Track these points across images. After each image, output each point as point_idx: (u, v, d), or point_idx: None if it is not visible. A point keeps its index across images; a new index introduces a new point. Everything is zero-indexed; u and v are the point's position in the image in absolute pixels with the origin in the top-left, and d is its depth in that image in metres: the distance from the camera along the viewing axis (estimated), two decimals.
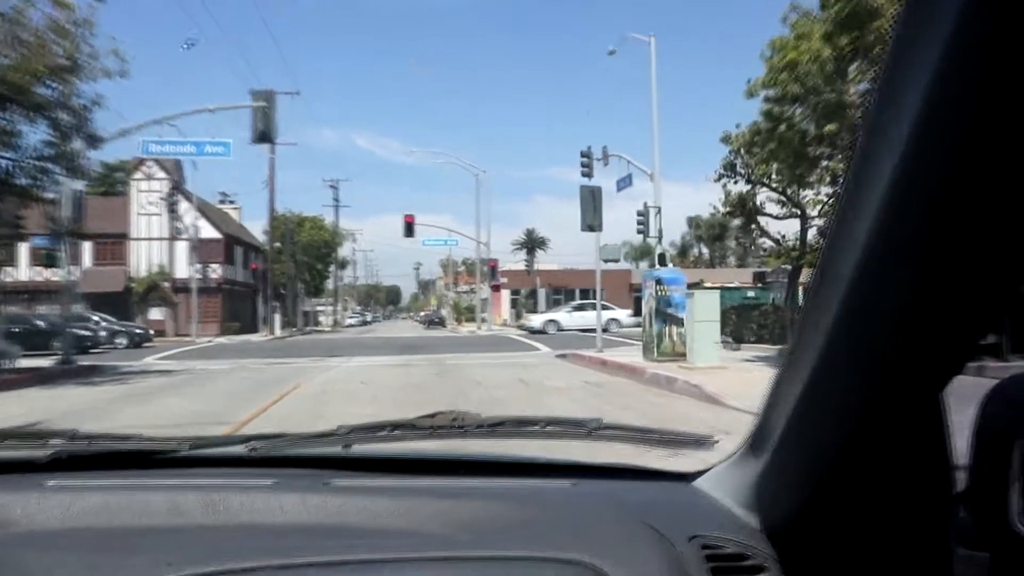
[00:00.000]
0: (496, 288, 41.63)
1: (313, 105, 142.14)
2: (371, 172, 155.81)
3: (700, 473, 1.21)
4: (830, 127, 13.14)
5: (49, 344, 21.57)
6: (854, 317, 0.68)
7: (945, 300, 0.62)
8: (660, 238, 21.34)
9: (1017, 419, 0.74)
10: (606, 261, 20.38)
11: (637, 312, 55.58)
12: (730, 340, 18.36)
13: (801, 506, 0.91)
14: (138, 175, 43.76)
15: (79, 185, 16.26)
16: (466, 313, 62.81)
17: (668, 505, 1.12)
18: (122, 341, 29.30)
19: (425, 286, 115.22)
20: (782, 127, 14.04)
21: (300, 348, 25.52)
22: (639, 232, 21.51)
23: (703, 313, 13.85)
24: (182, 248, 40.86)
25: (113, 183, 48.33)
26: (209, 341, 33.53)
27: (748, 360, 14.55)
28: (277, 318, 42.88)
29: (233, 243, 47.67)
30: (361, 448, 1.27)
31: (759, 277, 33.70)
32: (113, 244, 43.69)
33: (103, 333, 28.66)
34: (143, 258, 43.88)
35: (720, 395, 9.18)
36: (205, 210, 44.39)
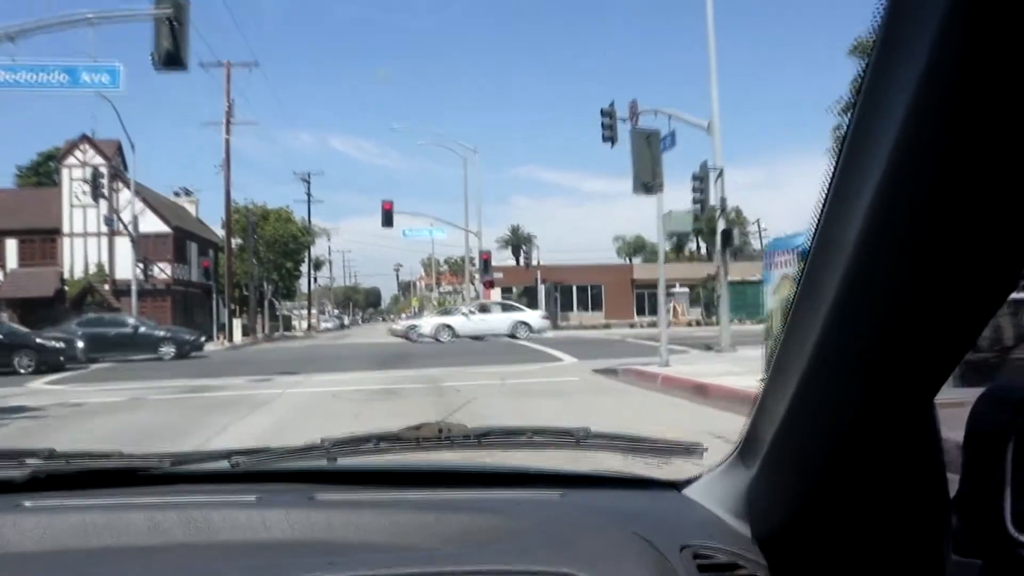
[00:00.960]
0: (489, 284, 36.04)
1: (286, 103, 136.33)
2: (348, 174, 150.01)
3: (690, 481, 1.20)
4: None
5: (9, 360, 18.03)
6: (842, 323, 0.67)
7: (935, 305, 0.61)
8: (724, 208, 16.02)
9: (1009, 422, 0.74)
10: (671, 236, 14.39)
11: (645, 312, 51.29)
12: None
13: (792, 514, 0.89)
14: (70, 160, 37.67)
15: None
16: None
17: (658, 514, 1.10)
18: (168, 350, 23.32)
19: (406, 288, 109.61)
20: None
21: (250, 362, 19.87)
22: (696, 202, 16.17)
23: None
24: (126, 245, 34.86)
25: (48, 172, 42.27)
26: None
27: None
28: (236, 324, 36.94)
29: (186, 239, 41.58)
30: (346, 461, 1.25)
31: None
32: (43, 241, 37.69)
33: (145, 337, 23.56)
34: (79, 257, 37.87)
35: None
36: (151, 200, 38.42)
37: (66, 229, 37.88)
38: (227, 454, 1.23)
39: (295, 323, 64.06)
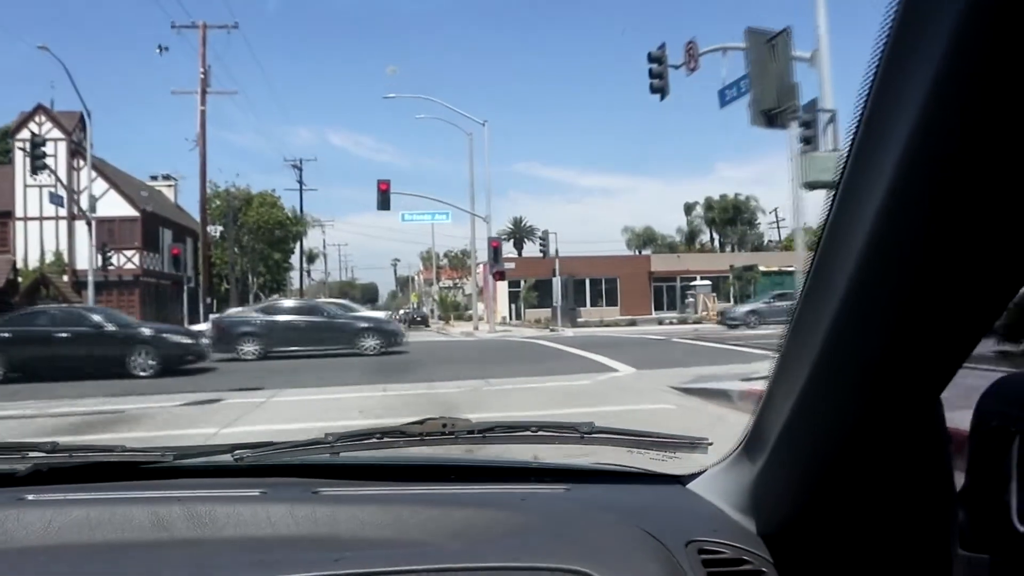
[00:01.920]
0: (500, 276, 31.60)
1: (283, 99, 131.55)
2: (344, 168, 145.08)
3: (694, 476, 1.20)
4: None
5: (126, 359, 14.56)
6: (851, 319, 0.68)
7: (944, 302, 0.62)
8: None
9: (1015, 417, 0.74)
10: (811, 188, 9.78)
11: (663, 307, 46.82)
12: None
13: (798, 509, 0.90)
14: (24, 134, 33.16)
15: None
16: (454, 310, 52.95)
17: (663, 509, 1.10)
18: (372, 342, 18.81)
19: (404, 283, 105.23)
20: None
21: (207, 371, 15.55)
22: (804, 152, 11.85)
23: None
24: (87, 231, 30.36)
25: (6, 150, 37.80)
26: None
27: None
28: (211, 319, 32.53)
29: (158, 224, 37.04)
30: (350, 456, 1.24)
31: None
32: None
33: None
34: (35, 244, 33.45)
35: None
36: (116, 179, 34.01)
37: (19, 212, 33.43)
38: (230, 448, 1.21)
39: None
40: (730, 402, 8.01)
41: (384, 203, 29.37)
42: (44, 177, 27.97)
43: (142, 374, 14.51)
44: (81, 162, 31.83)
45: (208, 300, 31.97)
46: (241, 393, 10.65)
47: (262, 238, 41.03)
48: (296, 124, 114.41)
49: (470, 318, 39.93)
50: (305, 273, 62.93)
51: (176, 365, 14.93)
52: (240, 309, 22.52)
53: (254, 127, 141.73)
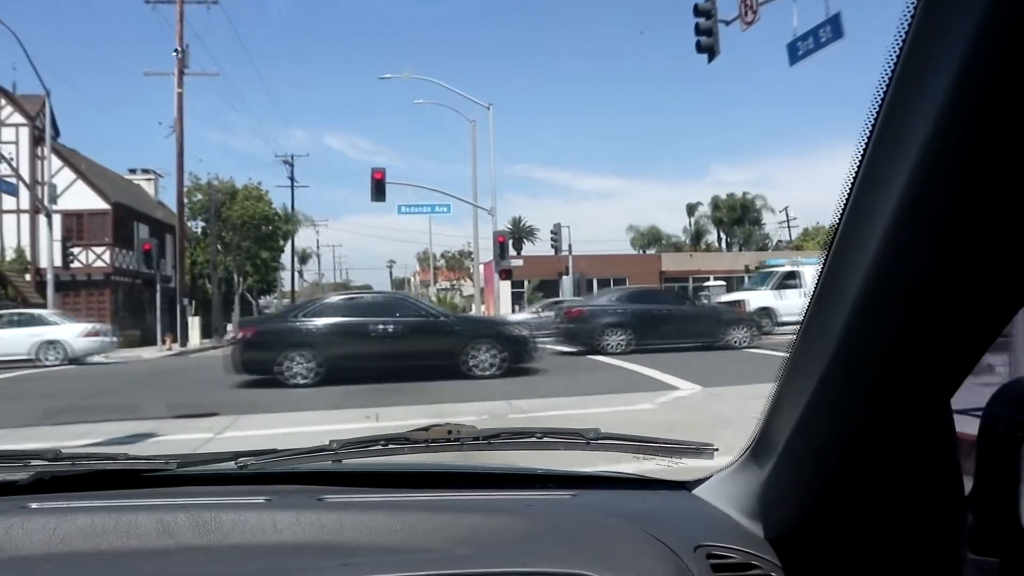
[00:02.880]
0: (506, 274, 28.72)
1: (279, 101, 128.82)
2: (339, 171, 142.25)
3: (700, 481, 1.19)
4: None
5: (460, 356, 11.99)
6: (864, 320, 0.67)
7: (959, 304, 0.61)
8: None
9: (1022, 421, 0.74)
10: None
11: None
12: None
13: (806, 514, 0.89)
14: None
15: None
16: (453, 310, 50.26)
17: (671, 514, 1.10)
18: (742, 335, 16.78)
19: (400, 284, 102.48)
20: None
21: (162, 384, 12.70)
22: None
23: None
24: (55, 226, 27.42)
25: None
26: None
27: None
28: (195, 323, 29.58)
29: (132, 219, 34.07)
30: (355, 463, 1.24)
31: None
32: None
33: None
34: None
35: None
36: (84, 168, 31.08)
37: None
38: (234, 456, 1.21)
39: None
40: None
41: (379, 194, 26.42)
42: (6, 167, 25.11)
43: (481, 374, 12.09)
44: (43, 150, 29.01)
45: (186, 301, 29.10)
46: None
47: (247, 235, 38.05)
48: (292, 126, 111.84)
49: None
50: (297, 274, 60.05)
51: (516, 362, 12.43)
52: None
53: (250, 128, 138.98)
